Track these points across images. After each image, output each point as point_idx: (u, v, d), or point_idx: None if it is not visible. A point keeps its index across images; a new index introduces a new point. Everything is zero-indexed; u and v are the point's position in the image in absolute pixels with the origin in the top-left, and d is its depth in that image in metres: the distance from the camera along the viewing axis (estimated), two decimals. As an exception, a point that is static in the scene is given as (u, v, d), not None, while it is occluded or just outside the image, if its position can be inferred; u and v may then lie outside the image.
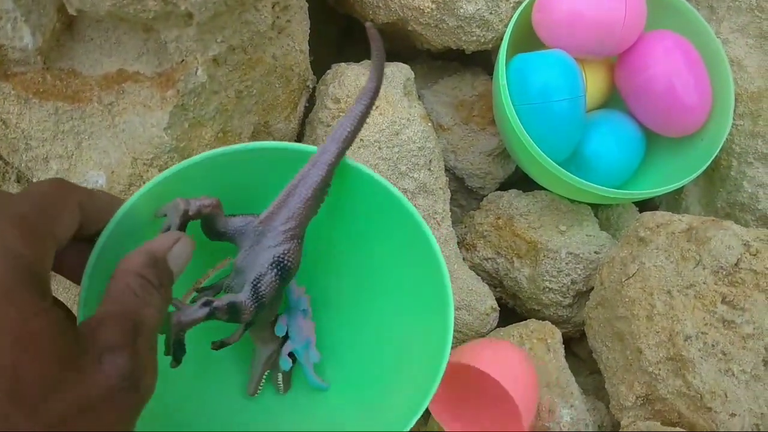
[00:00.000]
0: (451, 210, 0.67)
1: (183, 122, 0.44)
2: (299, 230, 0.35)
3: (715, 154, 0.53)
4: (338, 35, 0.78)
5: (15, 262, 0.20)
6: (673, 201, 0.61)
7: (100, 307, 0.23)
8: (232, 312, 0.33)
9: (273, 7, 0.46)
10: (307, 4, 0.60)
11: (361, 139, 0.51)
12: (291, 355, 0.42)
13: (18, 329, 0.19)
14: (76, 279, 0.29)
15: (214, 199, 0.33)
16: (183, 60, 0.43)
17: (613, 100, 0.60)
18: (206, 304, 0.32)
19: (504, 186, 0.63)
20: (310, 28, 0.57)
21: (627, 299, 0.44)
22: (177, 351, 0.32)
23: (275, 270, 0.34)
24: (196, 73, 0.43)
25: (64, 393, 0.19)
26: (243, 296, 0.33)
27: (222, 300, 0.32)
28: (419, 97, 0.68)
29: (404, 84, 0.57)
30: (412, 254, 0.37)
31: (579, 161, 0.56)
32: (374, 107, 0.51)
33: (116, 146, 0.44)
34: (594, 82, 0.57)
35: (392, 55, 0.66)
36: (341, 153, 0.36)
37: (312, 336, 0.43)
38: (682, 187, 0.60)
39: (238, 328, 0.37)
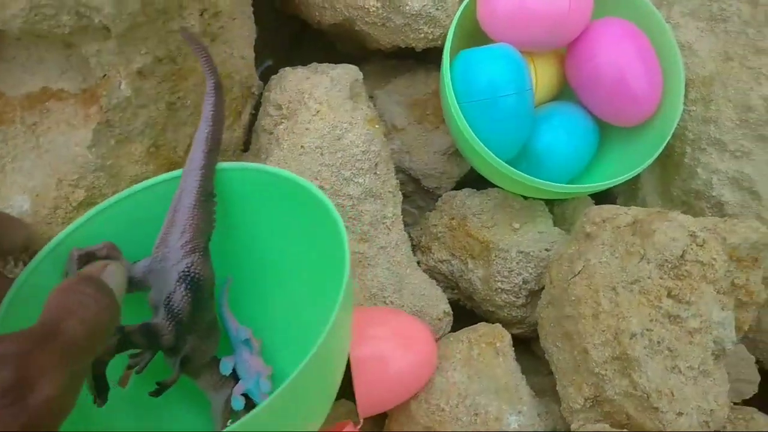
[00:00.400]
0: (410, 211, 0.66)
1: (109, 139, 0.43)
2: (197, 242, 0.34)
3: (666, 141, 0.52)
4: (292, 39, 0.76)
5: None
6: (630, 191, 0.60)
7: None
8: (149, 335, 0.32)
9: (201, 14, 0.45)
10: (251, 9, 0.59)
11: (302, 146, 0.49)
12: (245, 395, 0.40)
13: None
14: None
15: (105, 243, 0.33)
16: (105, 75, 0.41)
17: (566, 92, 0.58)
18: (117, 330, 0.31)
19: (461, 184, 0.62)
20: (260, 33, 0.56)
21: (573, 298, 0.43)
22: (98, 385, 0.31)
23: (183, 284, 0.33)
24: (119, 87, 0.42)
25: None
26: (157, 318, 0.32)
27: (134, 325, 0.32)
28: (371, 98, 0.67)
29: (351, 86, 0.56)
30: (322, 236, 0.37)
31: (530, 156, 0.55)
32: (315, 112, 0.50)
33: (41, 168, 0.42)
34: (544, 75, 0.56)
35: (343, 57, 0.65)
36: (209, 155, 0.37)
37: (262, 369, 0.41)
38: (638, 176, 0.59)
39: (172, 364, 0.36)
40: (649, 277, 0.41)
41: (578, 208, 0.58)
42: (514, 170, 0.50)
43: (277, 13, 0.69)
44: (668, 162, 0.57)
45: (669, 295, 0.40)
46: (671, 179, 0.57)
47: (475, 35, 0.57)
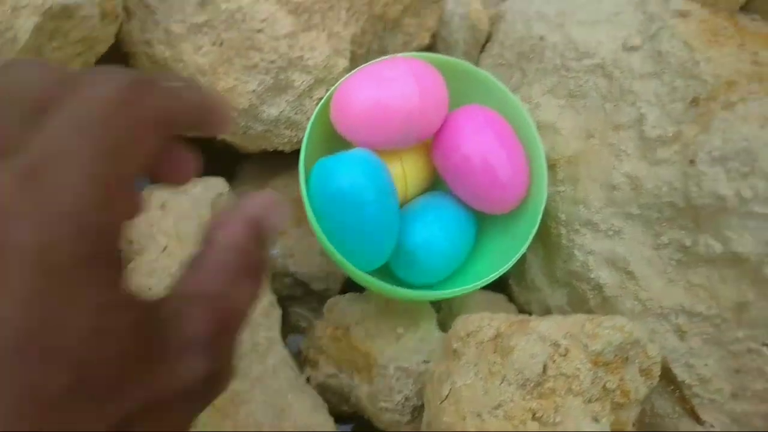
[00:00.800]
0: (305, 316, 0.63)
1: None
2: None
3: (535, 227, 0.50)
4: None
5: (88, 228, 0.16)
6: (519, 273, 0.59)
7: (186, 279, 0.19)
8: None
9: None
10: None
11: (149, 288, 0.47)
12: None
13: (93, 321, 0.15)
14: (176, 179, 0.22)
15: None
16: None
17: (439, 180, 0.57)
18: None
19: (350, 284, 0.60)
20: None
21: (444, 425, 0.41)
22: None
23: None
24: None
25: (133, 392, 0.16)
26: None
27: None
28: (251, 200, 0.64)
29: (213, 202, 0.54)
30: None
31: (406, 255, 0.53)
32: (162, 249, 0.48)
33: None
34: (413, 170, 0.55)
35: (223, 155, 0.63)
36: None
37: None
38: (525, 258, 0.58)
39: None
40: (511, 400, 0.39)
41: (465, 300, 0.56)
42: (379, 282, 0.47)
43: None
44: (548, 243, 0.55)
45: (534, 418, 0.38)
46: (554, 261, 0.55)
47: (335, 136, 0.55)
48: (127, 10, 0.57)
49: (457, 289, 0.49)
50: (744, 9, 0.59)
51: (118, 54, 0.58)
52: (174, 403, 0.18)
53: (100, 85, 0.17)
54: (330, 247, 0.48)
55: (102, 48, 0.51)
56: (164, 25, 0.56)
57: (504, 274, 0.50)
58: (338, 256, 0.48)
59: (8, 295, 0.14)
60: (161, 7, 0.56)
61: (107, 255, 0.16)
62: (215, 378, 0.19)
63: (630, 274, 0.50)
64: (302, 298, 0.62)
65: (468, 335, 0.43)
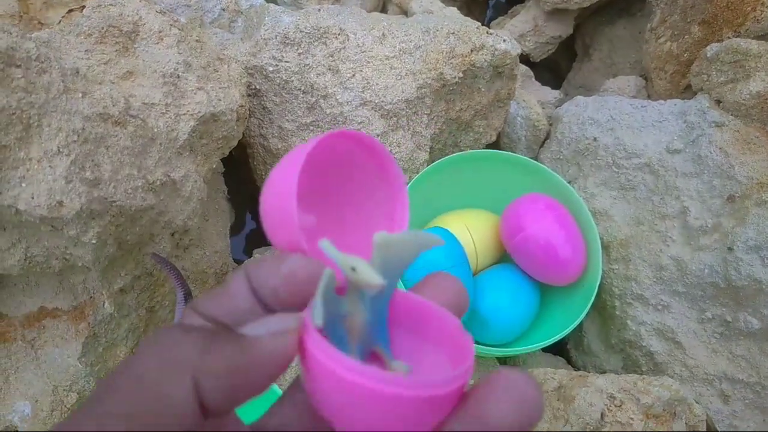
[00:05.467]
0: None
1: (96, 348, 0.50)
2: None
3: (591, 301, 0.58)
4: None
5: None
6: (577, 338, 0.66)
7: None
8: None
9: (172, 235, 0.53)
10: (226, 200, 0.69)
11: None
12: None
13: None
14: None
15: None
16: (91, 297, 0.49)
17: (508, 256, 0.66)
18: None
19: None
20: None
21: (513, 462, 0.47)
22: None
23: None
24: (103, 306, 0.49)
25: None
26: None
27: None
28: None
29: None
30: None
31: (477, 318, 0.61)
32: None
33: (39, 377, 0.49)
34: (481, 243, 0.64)
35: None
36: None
37: None
38: (582, 325, 0.65)
39: None
40: (574, 441, 0.45)
41: (527, 362, 0.63)
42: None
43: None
44: (604, 314, 0.63)
45: (593, 457, 0.45)
46: (608, 329, 0.62)
47: (415, 216, 0.65)
48: (250, 110, 0.70)
49: (522, 348, 0.56)
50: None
51: (239, 145, 0.71)
52: None
53: None
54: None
55: (234, 143, 0.63)
56: (279, 123, 0.69)
57: (564, 339, 0.58)
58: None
59: None
60: (277, 110, 0.69)
61: None
62: None
63: (678, 344, 0.56)
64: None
65: (535, 386, 0.50)
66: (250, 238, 0.87)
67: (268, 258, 0.21)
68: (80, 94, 0.46)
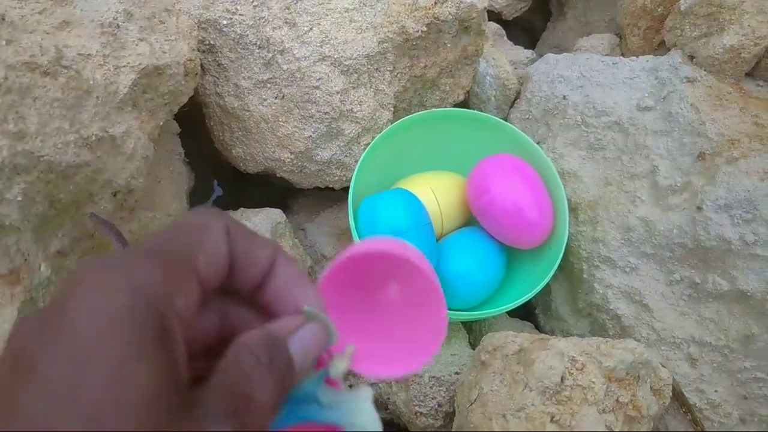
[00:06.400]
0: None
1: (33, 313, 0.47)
2: None
3: (557, 263, 0.56)
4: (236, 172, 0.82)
5: (145, 300, 0.17)
6: (545, 303, 0.64)
7: (210, 378, 0.21)
8: None
9: (114, 195, 0.50)
10: (182, 162, 0.66)
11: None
12: None
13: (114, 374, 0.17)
14: (206, 347, 0.23)
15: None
16: (26, 259, 0.46)
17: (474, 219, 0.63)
18: None
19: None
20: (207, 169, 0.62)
21: (472, 425, 0.46)
22: None
23: None
24: (39, 269, 0.46)
25: None
26: None
27: None
28: (303, 230, 0.72)
29: (273, 230, 0.61)
30: None
31: (442, 283, 0.59)
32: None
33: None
34: (447, 206, 0.61)
35: (281, 189, 0.71)
36: None
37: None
38: (550, 288, 0.63)
39: None
40: (532, 404, 0.44)
41: (493, 326, 0.61)
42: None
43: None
44: (572, 277, 0.61)
45: (552, 420, 0.43)
46: (576, 293, 0.60)
47: (380, 177, 0.62)
48: (203, 67, 0.66)
49: (486, 311, 0.54)
50: (750, 75, 0.65)
51: (193, 103, 0.67)
52: None
53: None
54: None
55: (184, 99, 0.60)
56: (234, 81, 0.65)
57: (531, 303, 0.56)
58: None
59: None
60: (232, 66, 0.65)
61: (155, 324, 0.18)
62: None
63: (645, 307, 0.55)
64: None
65: (495, 349, 0.48)
66: (217, 204, 0.84)
67: None
68: (4, 42, 0.42)
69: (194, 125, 0.71)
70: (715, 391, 0.52)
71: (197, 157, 0.71)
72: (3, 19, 0.44)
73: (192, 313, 0.20)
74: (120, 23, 0.51)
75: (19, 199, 0.40)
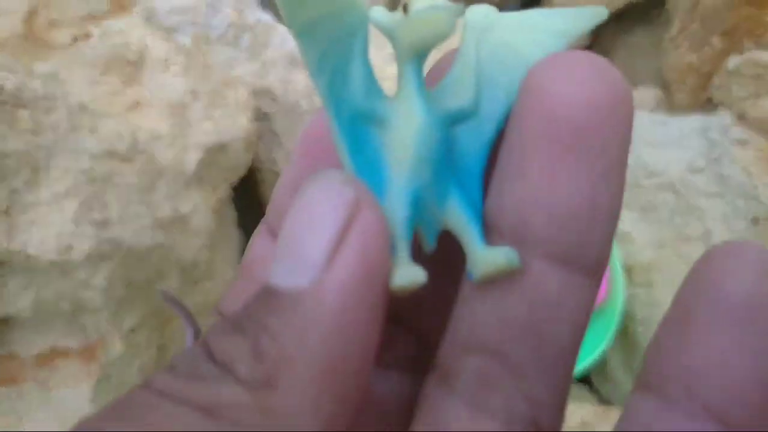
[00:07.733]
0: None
1: (108, 389, 0.48)
2: None
3: (614, 327, 0.56)
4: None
5: None
6: (600, 367, 0.64)
7: None
8: None
9: (182, 271, 0.52)
10: (236, 229, 0.68)
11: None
12: None
13: None
14: None
15: None
16: (102, 337, 0.48)
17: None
18: None
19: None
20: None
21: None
22: None
23: None
24: (114, 346, 0.48)
25: None
26: None
27: None
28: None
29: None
30: None
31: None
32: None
33: (51, 419, 0.48)
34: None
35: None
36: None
37: None
38: (605, 354, 0.63)
39: None
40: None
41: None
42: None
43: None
44: (627, 340, 0.61)
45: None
46: (632, 356, 0.60)
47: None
48: (258, 135, 0.68)
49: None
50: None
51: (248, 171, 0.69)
52: None
53: None
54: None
55: (243, 171, 0.62)
56: (287, 148, 0.67)
57: (587, 368, 0.56)
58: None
59: None
60: (285, 133, 0.67)
61: None
62: None
63: (704, 373, 0.54)
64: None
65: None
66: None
67: None
68: (87, 131, 0.45)
69: (246, 189, 0.73)
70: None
71: (250, 221, 0.73)
72: (85, 108, 0.47)
73: None
74: (187, 102, 0.54)
75: (104, 285, 0.42)
